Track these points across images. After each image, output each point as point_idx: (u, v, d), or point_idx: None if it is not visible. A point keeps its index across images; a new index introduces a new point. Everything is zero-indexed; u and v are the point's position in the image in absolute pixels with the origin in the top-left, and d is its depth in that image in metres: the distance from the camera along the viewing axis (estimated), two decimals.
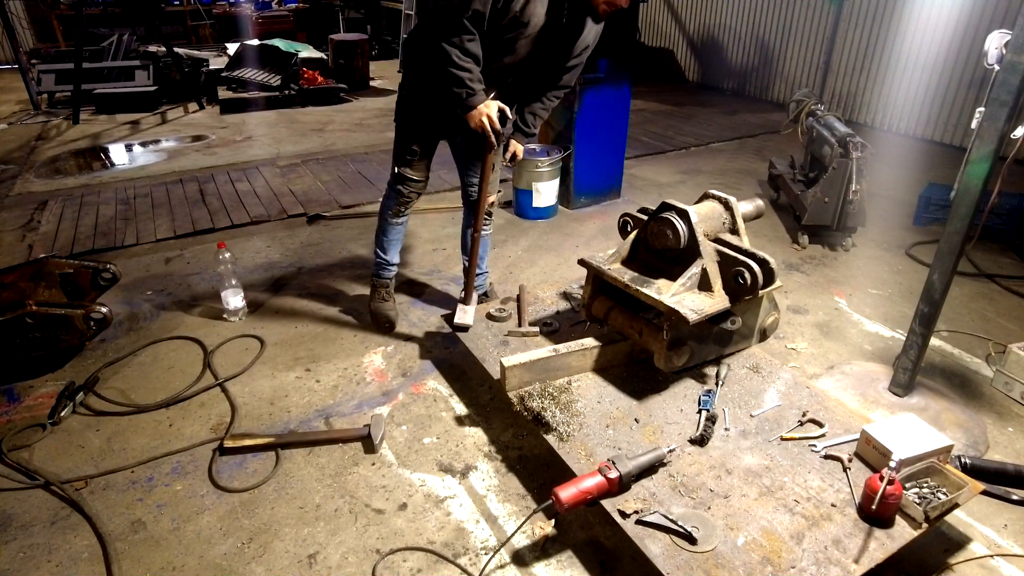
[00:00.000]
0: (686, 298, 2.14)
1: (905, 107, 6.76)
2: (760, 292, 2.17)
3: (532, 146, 4.51)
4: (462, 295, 2.86)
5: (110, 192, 4.94)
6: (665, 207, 2.28)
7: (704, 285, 2.18)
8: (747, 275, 2.11)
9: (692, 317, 2.05)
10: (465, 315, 2.75)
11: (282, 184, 5.15)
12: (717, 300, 2.15)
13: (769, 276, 2.14)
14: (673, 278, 2.21)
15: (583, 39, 2.60)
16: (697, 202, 2.40)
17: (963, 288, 3.62)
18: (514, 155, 3.00)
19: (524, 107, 2.84)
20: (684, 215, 2.21)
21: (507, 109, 2.53)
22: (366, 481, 2.29)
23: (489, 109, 2.46)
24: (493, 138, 2.50)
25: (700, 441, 2.05)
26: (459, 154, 2.94)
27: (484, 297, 3.15)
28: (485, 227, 2.98)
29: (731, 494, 1.86)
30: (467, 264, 2.93)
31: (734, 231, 2.35)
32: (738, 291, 2.16)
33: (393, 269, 3.11)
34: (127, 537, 2.06)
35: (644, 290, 2.19)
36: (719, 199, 2.36)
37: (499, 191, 3.05)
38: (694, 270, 2.18)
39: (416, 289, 3.58)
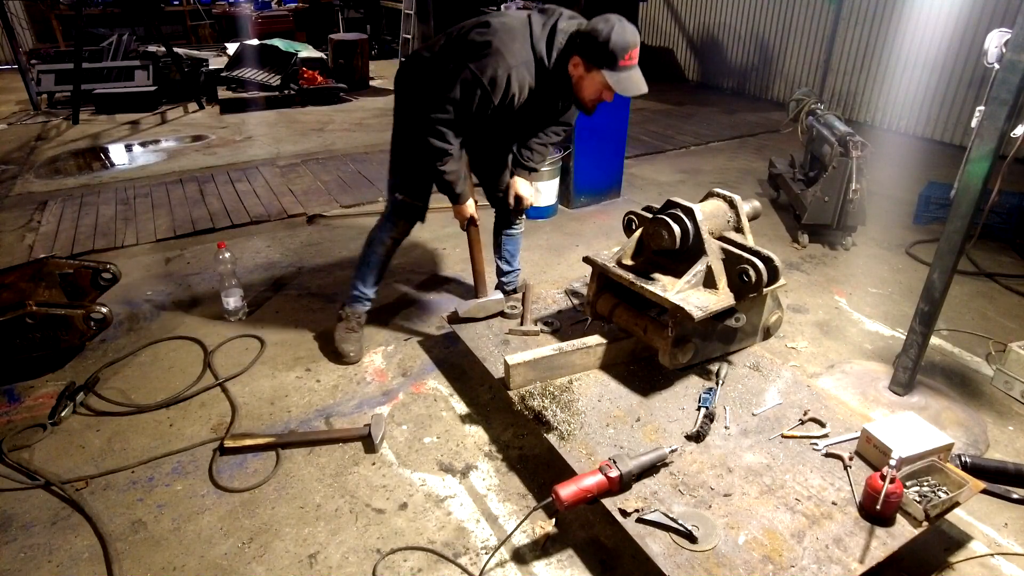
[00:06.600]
0: (691, 295, 2.14)
1: (905, 106, 6.76)
2: (764, 290, 2.18)
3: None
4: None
5: (110, 192, 4.94)
6: (670, 205, 2.28)
7: (709, 282, 2.19)
8: (752, 272, 2.11)
9: (697, 314, 2.05)
10: (478, 306, 2.76)
11: (282, 184, 5.15)
12: (722, 297, 2.16)
13: (773, 274, 2.14)
14: (678, 275, 2.21)
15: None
16: (702, 200, 2.40)
17: (963, 287, 3.62)
18: (519, 200, 2.85)
19: (522, 144, 2.76)
20: (689, 213, 2.21)
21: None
22: (366, 481, 2.29)
23: (471, 210, 2.64)
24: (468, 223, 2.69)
25: (696, 437, 2.05)
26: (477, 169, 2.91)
27: (514, 293, 3.13)
28: (516, 225, 3.09)
29: (732, 492, 1.86)
30: (474, 261, 2.83)
31: (738, 229, 2.35)
32: (743, 288, 2.16)
33: (368, 304, 2.94)
34: (127, 537, 2.06)
35: (649, 287, 2.19)
36: (724, 197, 2.36)
37: (537, 191, 3.15)
38: (699, 267, 2.18)
39: (417, 289, 3.58)
